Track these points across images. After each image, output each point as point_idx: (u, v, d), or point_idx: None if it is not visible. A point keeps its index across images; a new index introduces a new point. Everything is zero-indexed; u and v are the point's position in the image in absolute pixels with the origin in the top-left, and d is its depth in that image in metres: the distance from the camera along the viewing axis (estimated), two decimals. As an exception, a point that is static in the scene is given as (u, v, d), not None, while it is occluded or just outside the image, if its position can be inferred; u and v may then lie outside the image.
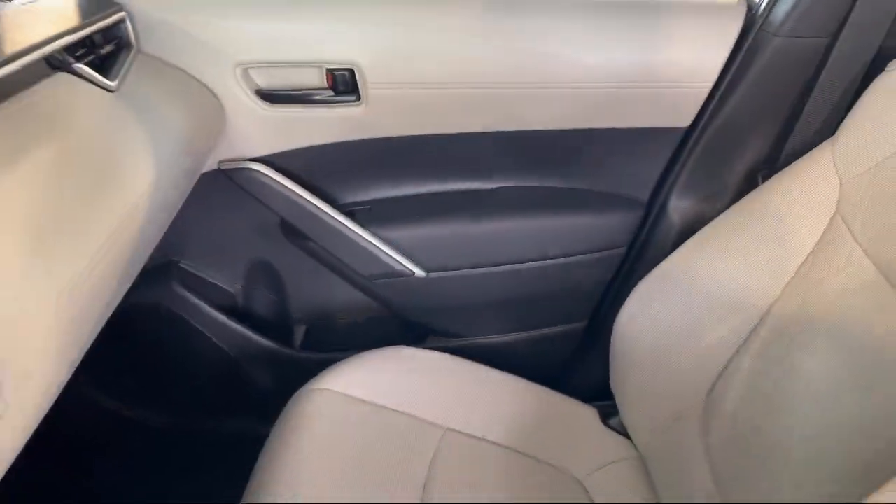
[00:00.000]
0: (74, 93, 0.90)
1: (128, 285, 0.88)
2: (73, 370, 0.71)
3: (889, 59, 0.92)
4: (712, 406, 0.99)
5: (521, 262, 1.27)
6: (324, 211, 1.22)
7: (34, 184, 0.73)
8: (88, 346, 0.76)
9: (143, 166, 0.91)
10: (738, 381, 0.95)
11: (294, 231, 1.26)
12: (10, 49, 0.80)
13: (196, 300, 1.31)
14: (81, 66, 0.93)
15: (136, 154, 0.91)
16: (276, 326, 1.41)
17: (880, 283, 0.81)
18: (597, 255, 1.28)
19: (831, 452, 0.78)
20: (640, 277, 1.12)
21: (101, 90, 0.95)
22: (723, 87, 1.12)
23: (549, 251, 1.27)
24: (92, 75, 0.94)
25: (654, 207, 1.25)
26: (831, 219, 0.92)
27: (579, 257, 1.28)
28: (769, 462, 0.85)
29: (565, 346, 1.42)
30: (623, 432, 1.16)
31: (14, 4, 0.94)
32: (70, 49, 0.93)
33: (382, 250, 1.24)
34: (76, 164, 0.80)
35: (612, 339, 1.16)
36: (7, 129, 0.75)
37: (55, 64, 0.90)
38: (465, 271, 1.27)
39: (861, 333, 0.82)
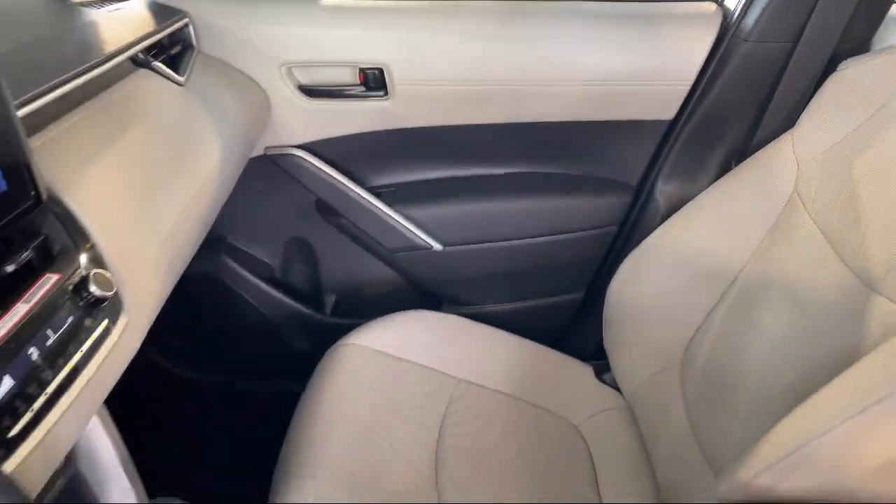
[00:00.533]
0: (153, 85, 1.07)
1: (195, 251, 1.04)
2: (160, 307, 0.87)
3: (841, 61, 1.06)
4: (689, 359, 1.12)
5: (527, 238, 1.42)
6: (354, 191, 1.37)
7: (131, 157, 0.89)
8: (169, 292, 0.92)
9: (210, 148, 1.07)
10: (709, 337, 1.08)
11: (328, 209, 1.42)
12: (106, 49, 0.96)
13: (242, 271, 1.47)
14: (158, 64, 1.10)
15: (203, 137, 1.07)
16: (310, 296, 1.56)
17: (824, 246, 0.96)
18: (592, 232, 1.43)
19: (781, 385, 0.92)
20: (630, 251, 1.27)
21: (173, 84, 1.11)
22: (702, 85, 1.27)
23: (551, 228, 1.41)
24: (166, 71, 1.10)
25: (642, 190, 1.40)
26: (790, 196, 1.06)
27: (577, 234, 1.42)
28: (730, 398, 1.00)
29: (565, 313, 1.56)
30: (614, 386, 1.29)
31: (102, 12, 1.10)
32: (148, 49, 1.09)
33: (405, 226, 1.39)
34: (160, 143, 0.97)
35: (605, 305, 1.30)
36: (106, 115, 0.91)
37: (138, 62, 1.06)
38: (477, 245, 1.42)
39: (808, 289, 0.96)
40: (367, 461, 1.03)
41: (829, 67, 1.13)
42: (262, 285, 1.48)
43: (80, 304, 0.64)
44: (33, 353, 0.57)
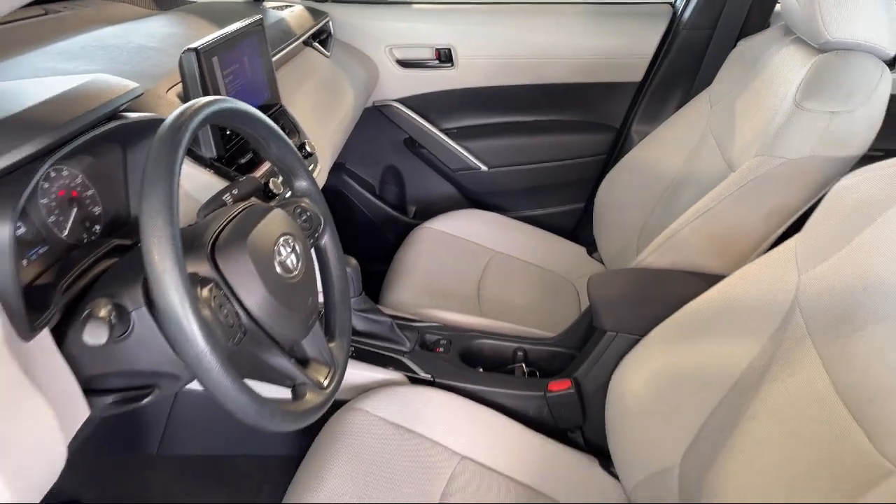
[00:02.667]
0: (314, 57, 1.67)
1: (341, 146, 1.61)
2: (329, 167, 1.45)
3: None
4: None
5: (543, 163, 1.98)
6: (431, 131, 1.96)
7: (310, 90, 1.48)
8: (334, 159, 1.50)
9: (346, 96, 1.67)
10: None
11: (413, 144, 2.01)
12: (292, 34, 1.57)
13: (355, 185, 2.07)
14: (315, 44, 1.70)
15: (342, 89, 1.67)
16: (398, 204, 2.16)
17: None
18: (588, 159, 1.98)
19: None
20: (616, 176, 1.75)
21: (323, 56, 1.71)
22: (659, 58, 1.80)
23: (560, 156, 1.97)
24: (319, 49, 1.71)
25: (622, 130, 1.94)
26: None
27: (578, 160, 1.98)
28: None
29: (572, 217, 2.10)
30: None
31: (283, 12, 1.70)
32: (312, 35, 1.70)
33: (463, 154, 1.97)
34: (322, 87, 1.57)
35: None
36: (295, 69, 1.51)
37: (306, 42, 1.67)
38: (510, 167, 2.00)
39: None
40: None
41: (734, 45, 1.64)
42: (368, 195, 2.09)
43: (303, 154, 1.23)
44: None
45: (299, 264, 0.82)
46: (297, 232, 0.85)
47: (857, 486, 0.64)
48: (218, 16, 1.54)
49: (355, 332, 1.28)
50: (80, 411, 0.74)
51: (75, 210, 0.89)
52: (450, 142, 1.96)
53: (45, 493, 0.66)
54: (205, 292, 0.70)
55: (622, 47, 1.81)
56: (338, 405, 1.18)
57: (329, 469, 1.05)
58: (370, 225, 2.11)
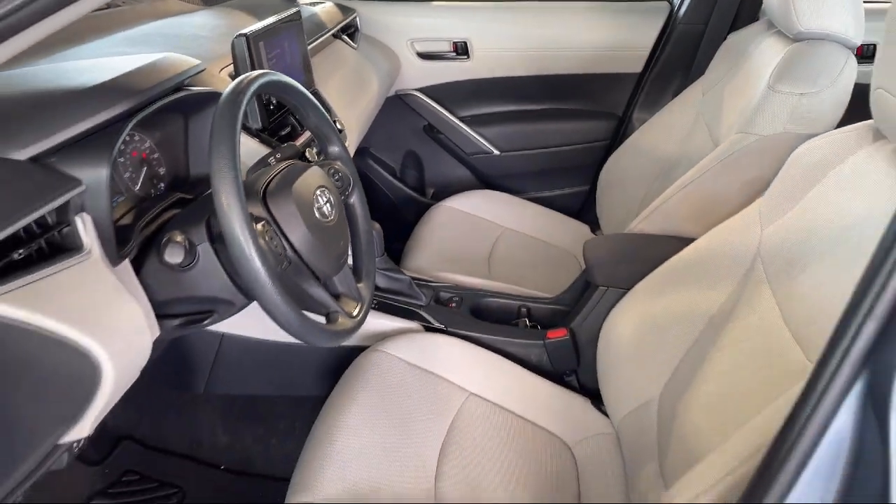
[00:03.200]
0: (343, 48, 1.82)
1: (367, 126, 1.76)
2: (359, 140, 1.60)
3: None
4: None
5: (552, 147, 2.11)
6: (448, 117, 2.11)
7: (344, 81, 1.63)
8: (363, 133, 1.65)
9: (374, 84, 1.81)
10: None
11: (432, 129, 2.15)
12: (324, 28, 1.72)
13: (378, 168, 2.22)
14: (344, 37, 1.85)
15: (368, 78, 1.81)
16: (418, 186, 2.30)
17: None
18: (593, 144, 2.11)
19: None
20: (617, 158, 1.88)
21: (351, 48, 1.86)
22: (658, 51, 1.93)
23: (568, 141, 2.10)
24: (347, 41, 1.85)
25: (624, 117, 2.07)
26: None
27: (584, 145, 2.11)
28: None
29: (577, 199, 2.23)
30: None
31: (315, 8, 1.85)
32: (341, 29, 1.85)
33: (477, 139, 2.11)
34: (350, 75, 1.71)
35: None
36: (326, 59, 1.66)
37: (336, 35, 1.82)
38: (520, 152, 2.13)
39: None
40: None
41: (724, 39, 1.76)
42: (390, 178, 2.24)
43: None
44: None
45: (333, 212, 0.97)
46: (332, 186, 1.00)
47: (787, 384, 0.74)
48: (257, 11, 1.69)
49: (378, 289, 1.43)
50: (154, 330, 0.89)
51: (145, 169, 1.05)
52: (465, 128, 2.10)
53: (132, 379, 0.81)
54: (259, 227, 0.85)
55: (624, 41, 1.94)
56: (362, 350, 1.32)
57: (353, 400, 1.18)
58: (392, 205, 2.26)
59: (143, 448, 1.49)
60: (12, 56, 0.71)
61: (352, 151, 1.46)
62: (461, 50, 2.01)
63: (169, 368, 1.45)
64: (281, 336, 1.41)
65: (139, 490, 1.42)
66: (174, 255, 0.84)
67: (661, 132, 1.77)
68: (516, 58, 2.00)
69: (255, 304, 1.30)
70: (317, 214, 0.93)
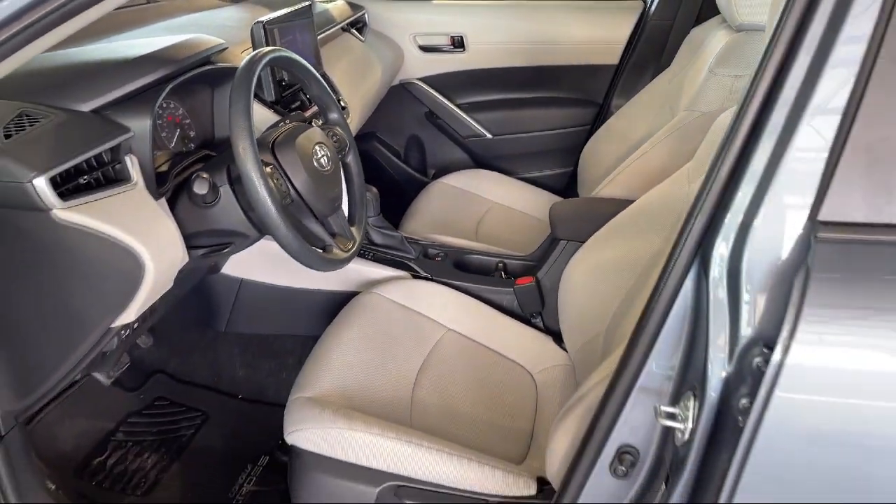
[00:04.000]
0: (351, 40, 2.01)
1: (369, 113, 1.97)
2: (362, 122, 1.80)
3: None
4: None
5: (539, 131, 2.29)
6: (447, 104, 2.29)
7: (350, 68, 1.83)
8: (366, 117, 1.86)
9: (378, 72, 2.00)
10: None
11: (433, 116, 2.34)
12: (334, 21, 1.91)
13: (384, 150, 2.41)
14: (353, 31, 2.05)
15: (374, 69, 2.00)
16: (420, 167, 2.48)
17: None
18: (575, 128, 2.29)
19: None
20: (595, 141, 2.05)
21: (359, 41, 2.06)
22: (632, 45, 2.10)
23: (553, 126, 2.28)
24: (356, 34, 2.05)
25: (603, 104, 2.24)
26: None
27: (567, 129, 2.29)
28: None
29: (562, 179, 2.40)
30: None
31: (328, 4, 2.05)
32: (350, 24, 2.05)
33: (472, 123, 2.30)
34: (357, 64, 1.91)
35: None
36: (335, 49, 1.86)
37: (345, 28, 2.02)
38: (511, 135, 2.31)
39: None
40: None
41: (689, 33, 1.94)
42: (394, 159, 2.43)
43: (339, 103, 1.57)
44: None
45: (329, 164, 1.16)
46: (330, 144, 1.20)
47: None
48: (277, 6, 1.89)
49: (373, 243, 1.62)
50: (184, 254, 1.08)
51: (178, 131, 1.25)
52: (462, 114, 2.29)
53: (167, 284, 1.02)
54: (268, 170, 1.05)
55: (602, 36, 2.12)
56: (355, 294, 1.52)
57: (349, 327, 1.36)
58: (396, 185, 2.45)
59: (173, 380, 1.70)
60: (65, 38, 0.89)
61: (355, 130, 1.66)
62: (458, 43, 2.20)
63: (196, 310, 1.65)
64: (291, 282, 1.61)
65: (169, 413, 1.63)
66: (201, 188, 1.04)
67: (633, 117, 1.95)
68: (507, 51, 2.19)
69: (268, 254, 1.52)
70: (315, 164, 1.13)
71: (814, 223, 0.64)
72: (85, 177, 0.91)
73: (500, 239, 1.88)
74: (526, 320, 1.54)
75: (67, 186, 0.89)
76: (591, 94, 2.26)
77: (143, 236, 0.92)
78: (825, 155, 0.63)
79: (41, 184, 0.84)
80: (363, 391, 1.22)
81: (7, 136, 0.87)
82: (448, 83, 2.30)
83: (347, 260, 1.18)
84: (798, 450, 0.65)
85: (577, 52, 2.17)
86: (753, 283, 0.68)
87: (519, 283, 1.53)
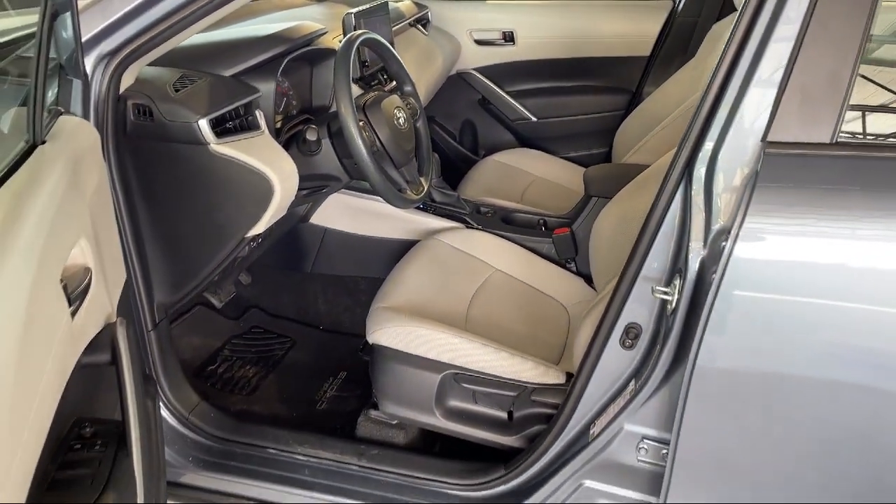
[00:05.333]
0: (416, 34, 2.27)
1: (431, 97, 2.22)
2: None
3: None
4: None
5: (578, 115, 2.51)
6: (497, 92, 2.53)
7: (417, 58, 2.08)
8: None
9: (439, 62, 2.25)
10: None
11: (485, 102, 2.58)
12: (402, 18, 2.17)
13: (442, 133, 2.66)
14: (418, 26, 2.30)
15: (437, 57, 2.25)
16: (472, 147, 2.71)
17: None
18: (610, 113, 2.48)
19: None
20: (628, 123, 2.26)
21: (423, 35, 2.31)
22: (663, 39, 2.31)
23: (590, 110, 2.49)
24: (421, 29, 2.31)
25: (636, 92, 2.44)
26: None
27: (603, 114, 2.49)
28: None
29: (598, 159, 2.57)
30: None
31: (391, 4, 2.31)
32: (415, 20, 2.30)
33: (520, 108, 2.53)
34: (423, 56, 2.16)
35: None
36: (404, 41, 2.11)
37: (412, 24, 2.28)
38: (554, 119, 2.54)
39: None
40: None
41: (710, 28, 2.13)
42: (450, 140, 2.68)
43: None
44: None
45: (406, 124, 1.42)
46: (405, 109, 1.46)
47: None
48: (354, 5, 2.17)
49: (434, 201, 1.87)
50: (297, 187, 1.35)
51: (285, 99, 1.52)
52: (510, 100, 2.53)
53: (285, 208, 1.29)
54: (360, 124, 1.31)
55: (635, 31, 2.34)
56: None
57: (415, 261, 1.61)
58: (452, 164, 2.68)
59: (265, 313, 1.99)
60: (211, 24, 1.16)
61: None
62: (508, 38, 2.44)
63: (287, 254, 1.94)
64: (367, 231, 1.87)
65: (263, 338, 1.91)
66: (312, 135, 1.31)
67: (662, 101, 2.14)
68: (551, 44, 2.42)
69: (349, 207, 1.79)
70: (395, 123, 1.39)
71: (764, 142, 0.86)
72: (230, 122, 1.19)
73: (542, 205, 2.11)
74: (562, 265, 1.76)
75: (217, 130, 1.17)
76: (624, 82, 2.47)
77: (272, 166, 1.19)
78: (773, 92, 0.86)
79: (204, 124, 1.12)
80: (428, 305, 1.47)
81: (176, 91, 1.16)
82: (499, 73, 2.54)
83: (418, 201, 1.43)
84: (744, 300, 0.89)
85: (613, 45, 2.38)
86: (720, 192, 0.91)
87: (556, 233, 1.76)
